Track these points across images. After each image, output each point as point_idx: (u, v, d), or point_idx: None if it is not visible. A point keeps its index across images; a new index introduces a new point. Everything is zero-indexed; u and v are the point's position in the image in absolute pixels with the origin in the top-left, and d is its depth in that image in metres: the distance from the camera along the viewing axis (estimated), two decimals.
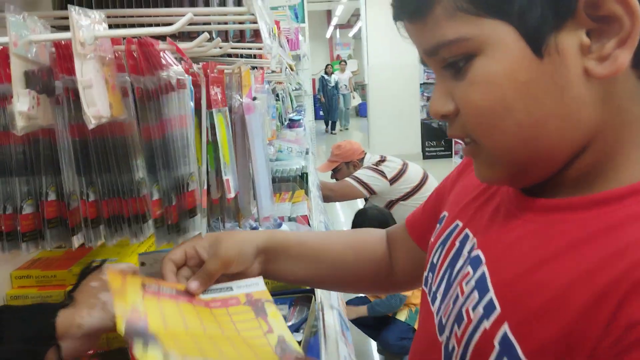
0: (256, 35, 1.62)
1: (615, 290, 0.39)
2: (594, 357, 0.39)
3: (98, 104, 0.57)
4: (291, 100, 3.98)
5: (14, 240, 0.69)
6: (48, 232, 0.69)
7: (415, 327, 2.13)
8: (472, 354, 0.49)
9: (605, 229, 0.43)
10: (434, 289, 0.61)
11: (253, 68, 1.62)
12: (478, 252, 0.54)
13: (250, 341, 0.60)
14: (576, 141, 0.47)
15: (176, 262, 0.69)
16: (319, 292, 1.06)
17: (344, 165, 3.22)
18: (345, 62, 13.72)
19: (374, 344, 2.77)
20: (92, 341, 0.65)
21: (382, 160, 3.04)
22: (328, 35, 16.40)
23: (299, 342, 0.72)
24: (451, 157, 6.88)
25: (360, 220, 2.60)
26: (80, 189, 0.65)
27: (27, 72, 0.57)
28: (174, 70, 0.65)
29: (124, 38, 0.66)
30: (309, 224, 1.54)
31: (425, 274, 0.65)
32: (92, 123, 0.56)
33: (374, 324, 2.62)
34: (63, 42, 0.62)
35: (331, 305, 1.12)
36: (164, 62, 0.65)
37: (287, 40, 4.26)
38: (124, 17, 0.77)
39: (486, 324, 0.48)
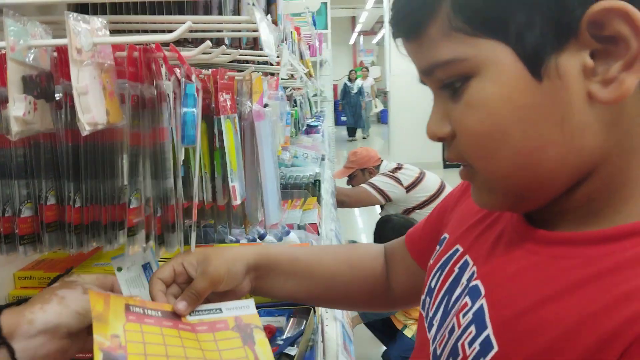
0: None
1: (620, 339, 0.36)
2: None
3: (93, 110, 0.56)
4: (310, 106, 3.98)
5: (12, 243, 0.69)
6: (47, 236, 0.69)
7: None
8: None
9: (612, 269, 0.40)
10: (430, 314, 0.59)
11: (269, 74, 1.62)
12: (477, 282, 0.51)
13: None
14: (578, 168, 0.44)
15: (165, 281, 0.65)
16: None
17: (359, 172, 3.21)
18: (367, 68, 13.70)
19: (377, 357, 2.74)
20: (59, 342, 0.56)
21: (399, 167, 3.01)
22: (352, 42, 16.41)
23: (293, 357, 0.71)
24: None
25: (384, 228, 2.56)
26: (68, 194, 0.65)
27: (24, 77, 0.57)
28: (171, 82, 0.64)
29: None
30: (317, 233, 1.53)
31: (423, 297, 0.63)
32: (86, 130, 0.55)
33: (384, 330, 2.60)
34: (64, 47, 0.62)
35: (335, 317, 1.11)
36: (163, 71, 0.65)
37: (309, 47, 4.28)
38: (128, 23, 0.77)
39: None
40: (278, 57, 1.22)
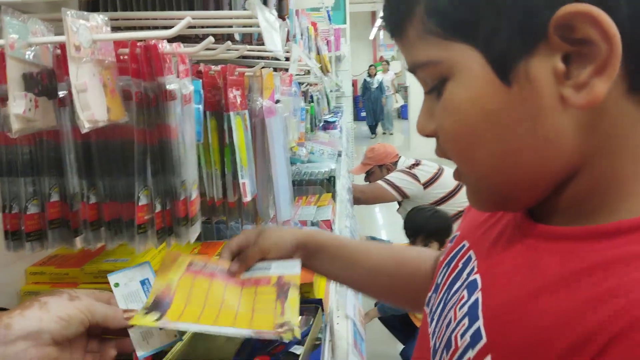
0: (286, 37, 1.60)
1: (601, 335, 0.35)
2: None
3: (93, 107, 0.56)
4: (328, 102, 3.97)
5: (19, 240, 0.69)
6: (50, 233, 0.69)
7: None
8: None
9: (602, 265, 0.39)
10: (433, 309, 0.58)
11: (283, 70, 1.61)
12: (476, 276, 0.51)
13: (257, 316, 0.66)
14: (559, 170, 0.43)
15: (232, 250, 0.76)
16: (333, 302, 1.04)
17: (377, 169, 3.19)
18: (387, 62, 13.58)
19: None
20: (43, 350, 0.53)
21: (416, 164, 2.98)
22: (372, 37, 16.32)
23: (299, 356, 0.70)
24: None
25: (414, 217, 2.51)
26: (81, 191, 0.65)
27: (25, 74, 0.57)
28: (174, 79, 0.64)
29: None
30: (331, 229, 1.52)
31: (430, 294, 0.62)
32: (85, 127, 0.55)
33: (402, 328, 2.58)
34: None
35: (346, 315, 1.10)
36: (166, 68, 0.64)
37: (326, 42, 4.26)
38: (130, 19, 0.76)
39: (471, 354, 0.45)
40: (287, 52, 1.21)
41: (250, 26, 0.97)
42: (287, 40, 1.25)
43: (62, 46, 0.62)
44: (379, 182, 2.96)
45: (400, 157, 3.21)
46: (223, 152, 1.01)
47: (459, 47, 0.43)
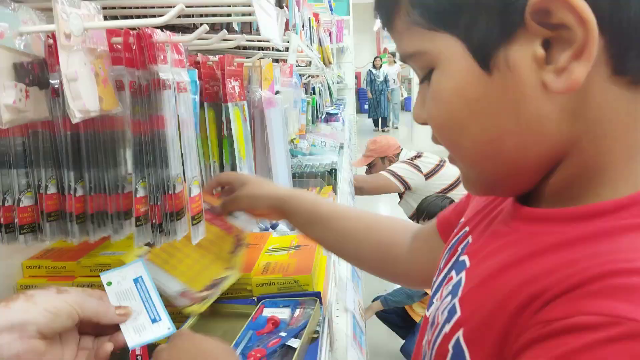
0: (285, 26, 1.58)
1: (548, 293, 0.37)
2: (513, 354, 0.38)
3: (84, 97, 0.55)
4: (330, 94, 3.95)
5: (13, 233, 0.68)
6: (47, 226, 0.68)
7: None
8: (434, 357, 0.48)
9: (569, 242, 0.41)
10: (433, 292, 0.59)
11: (284, 61, 1.60)
12: (465, 257, 0.53)
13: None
14: (545, 156, 0.44)
15: (220, 183, 0.91)
16: (332, 295, 1.03)
17: (379, 161, 3.18)
18: (393, 54, 13.47)
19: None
20: (28, 342, 0.51)
21: (418, 155, 2.97)
22: (375, 28, 16.24)
23: (295, 349, 0.69)
24: None
25: (422, 204, 2.53)
26: (69, 183, 0.64)
27: (15, 64, 0.56)
28: (167, 68, 0.62)
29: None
30: None
31: (434, 279, 0.63)
32: (76, 117, 0.54)
33: (402, 324, 2.57)
34: None
35: (345, 308, 1.09)
36: (160, 57, 0.63)
37: (329, 33, 4.23)
38: (122, 8, 0.75)
39: (447, 328, 0.47)
40: (288, 42, 1.19)
41: (249, 15, 0.96)
42: (287, 29, 1.24)
43: (55, 36, 0.61)
44: (382, 172, 2.95)
45: (402, 149, 3.20)
46: (221, 143, 0.99)
47: (442, 37, 0.44)
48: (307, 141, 2.61)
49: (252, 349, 0.72)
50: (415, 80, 8.25)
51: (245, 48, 1.38)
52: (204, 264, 0.89)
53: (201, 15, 0.94)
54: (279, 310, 0.81)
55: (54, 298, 0.54)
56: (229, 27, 1.12)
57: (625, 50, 0.39)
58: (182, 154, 0.67)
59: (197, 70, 0.82)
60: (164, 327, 0.61)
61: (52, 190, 0.68)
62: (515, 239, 0.46)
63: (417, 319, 2.50)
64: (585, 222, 0.41)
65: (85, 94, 0.55)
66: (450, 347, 0.45)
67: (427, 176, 2.86)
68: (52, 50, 0.61)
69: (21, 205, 0.67)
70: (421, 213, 2.44)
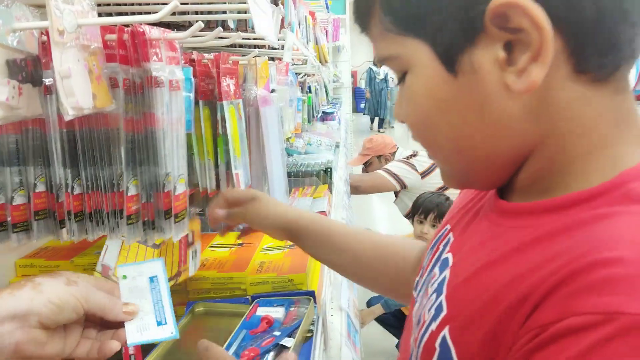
0: (281, 24, 1.58)
1: (536, 293, 0.38)
2: (507, 358, 0.39)
3: (77, 94, 0.55)
4: (326, 93, 3.94)
5: (5, 231, 0.68)
6: (35, 224, 0.68)
7: None
8: (421, 355, 0.49)
9: (548, 235, 0.42)
10: (417, 291, 0.60)
11: (280, 59, 1.59)
12: (448, 255, 0.54)
13: None
14: (513, 151, 0.46)
15: (228, 202, 0.87)
16: (327, 294, 1.03)
17: (375, 159, 3.18)
18: None
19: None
20: (29, 332, 0.51)
21: (414, 154, 2.98)
22: None
23: (289, 348, 0.69)
24: None
25: (417, 200, 2.52)
26: (66, 181, 0.64)
27: (8, 60, 0.56)
28: (161, 65, 0.62)
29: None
30: None
31: (417, 278, 0.63)
32: (69, 114, 0.54)
33: (398, 325, 2.57)
34: None
35: (340, 307, 1.09)
36: (154, 54, 0.63)
37: (325, 32, 4.22)
38: (117, 5, 0.75)
39: (433, 326, 0.48)
40: (279, 40, 1.19)
41: (245, 12, 0.95)
42: (282, 27, 1.24)
43: (48, 32, 0.60)
44: (379, 171, 2.95)
45: (398, 148, 3.20)
46: (216, 142, 0.99)
47: (412, 43, 0.46)
48: (302, 140, 2.60)
49: (246, 348, 0.72)
50: None
51: (241, 46, 1.37)
52: None
53: (196, 13, 0.94)
54: (273, 309, 0.81)
55: (61, 289, 0.54)
56: (224, 25, 1.12)
57: (583, 49, 0.41)
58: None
59: (192, 68, 0.81)
60: (168, 330, 0.60)
61: (40, 188, 0.67)
62: (495, 234, 0.48)
63: None
64: (560, 212, 0.42)
65: (78, 91, 0.55)
66: (437, 345, 0.46)
67: (423, 175, 2.86)
68: (46, 47, 0.60)
69: (14, 203, 0.67)
70: (417, 209, 2.44)
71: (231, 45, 1.36)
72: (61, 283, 0.54)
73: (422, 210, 2.39)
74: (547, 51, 0.40)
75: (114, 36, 0.62)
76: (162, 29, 0.65)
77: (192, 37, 0.68)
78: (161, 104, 0.63)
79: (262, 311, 0.81)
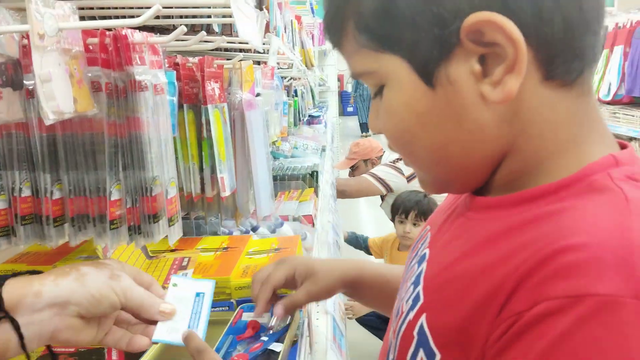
0: (266, 29, 1.58)
1: (508, 283, 0.39)
2: (486, 349, 0.40)
3: (58, 98, 0.54)
4: (313, 96, 3.95)
5: None
6: (22, 229, 0.67)
7: None
8: (399, 345, 0.51)
9: (518, 226, 0.44)
10: (399, 289, 0.62)
11: (263, 63, 1.59)
12: (426, 250, 0.57)
13: None
14: (488, 156, 0.48)
15: (276, 287, 0.76)
16: None
17: (362, 163, 3.19)
18: None
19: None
20: (68, 320, 0.53)
21: (400, 158, 2.98)
22: None
23: (278, 353, 0.69)
24: None
25: (396, 199, 2.54)
26: (45, 186, 0.63)
27: None
28: (144, 69, 0.62)
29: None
30: (313, 225, 1.50)
31: (403, 279, 0.64)
32: (49, 119, 0.53)
33: (382, 327, 2.57)
34: None
35: (326, 311, 1.09)
36: (137, 58, 0.62)
37: (312, 36, 4.23)
38: (100, 8, 0.74)
39: (411, 315, 0.50)
40: (264, 44, 1.19)
41: (230, 16, 0.95)
42: (268, 31, 1.24)
43: (29, 36, 0.60)
44: (365, 175, 2.96)
45: (384, 151, 3.21)
46: (201, 145, 0.99)
47: (389, 58, 0.47)
48: (289, 143, 2.61)
49: (234, 354, 0.71)
50: None
51: (226, 50, 1.37)
52: None
53: (181, 17, 0.94)
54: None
55: (103, 283, 0.55)
56: (209, 29, 1.11)
57: (552, 59, 0.44)
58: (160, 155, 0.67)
59: (175, 71, 0.81)
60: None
61: (26, 193, 0.66)
62: (469, 227, 0.51)
63: None
64: (529, 204, 0.45)
65: (59, 95, 0.54)
66: (415, 333, 0.48)
67: (409, 178, 2.87)
68: (27, 50, 0.60)
69: None
70: (397, 210, 2.44)
71: (216, 49, 1.36)
72: (105, 276, 0.56)
73: (402, 210, 2.40)
74: (521, 63, 0.42)
75: (95, 40, 0.62)
76: (146, 32, 0.65)
77: (176, 40, 0.68)
78: (145, 107, 0.62)
79: (247, 316, 0.81)
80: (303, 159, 2.41)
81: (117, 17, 0.80)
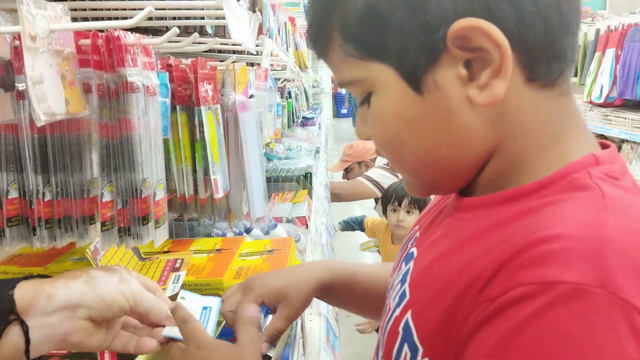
0: (259, 30, 1.58)
1: (486, 272, 0.41)
2: (462, 334, 0.42)
3: (50, 99, 0.54)
4: (307, 98, 3.95)
5: None
6: (8, 231, 0.67)
7: None
8: (386, 341, 0.52)
9: (501, 222, 0.45)
10: (389, 289, 0.62)
11: (256, 65, 1.59)
12: (414, 249, 0.58)
13: None
14: (475, 158, 0.49)
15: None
16: None
17: (356, 165, 3.20)
18: None
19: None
20: (79, 322, 0.53)
21: None
22: None
23: (270, 357, 0.69)
24: None
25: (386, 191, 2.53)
26: (37, 188, 0.63)
27: None
28: (136, 71, 0.61)
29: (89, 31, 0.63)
30: (306, 226, 1.51)
31: (391, 279, 0.65)
32: (41, 120, 0.53)
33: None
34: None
35: (319, 313, 1.09)
36: (129, 60, 0.62)
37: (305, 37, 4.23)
38: (92, 10, 0.74)
39: (397, 312, 0.51)
40: (258, 46, 1.19)
41: (222, 18, 0.95)
42: (260, 33, 1.24)
43: (20, 37, 0.60)
44: (359, 178, 2.96)
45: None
46: (194, 147, 0.99)
47: (376, 66, 0.48)
48: (283, 145, 2.61)
49: None
50: None
51: (219, 51, 1.37)
52: None
53: (174, 18, 0.94)
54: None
55: (113, 287, 0.56)
56: (202, 30, 1.11)
57: (534, 61, 0.45)
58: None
59: (168, 73, 0.81)
60: None
61: (13, 194, 0.66)
62: (455, 226, 0.52)
63: None
64: (512, 203, 0.46)
65: (51, 96, 0.54)
66: (400, 329, 0.49)
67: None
68: (19, 51, 0.60)
69: None
70: (389, 199, 2.42)
71: (210, 51, 1.36)
72: (115, 281, 0.57)
73: (394, 198, 2.38)
74: (507, 67, 0.43)
75: (87, 41, 0.62)
76: (138, 34, 0.65)
77: (169, 42, 0.68)
78: (137, 109, 0.62)
79: None
80: (297, 161, 2.41)
81: (109, 19, 0.80)
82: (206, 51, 1.29)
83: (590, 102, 4.12)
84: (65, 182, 0.63)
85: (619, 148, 3.91)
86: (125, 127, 0.62)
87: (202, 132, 0.97)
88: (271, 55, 1.41)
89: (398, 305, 0.51)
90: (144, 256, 1.05)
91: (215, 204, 1.05)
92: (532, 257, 0.39)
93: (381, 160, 3.10)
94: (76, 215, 0.64)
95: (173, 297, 0.69)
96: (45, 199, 0.63)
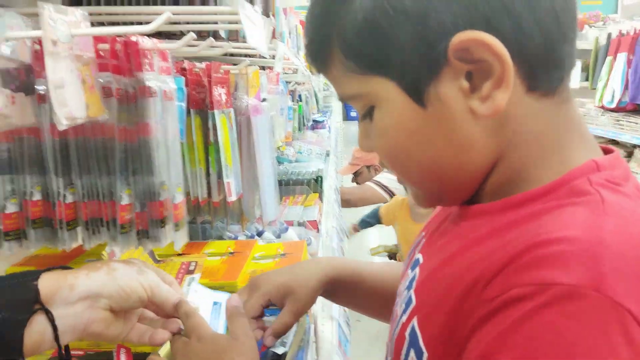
0: (272, 35, 1.58)
1: (488, 273, 0.42)
2: (463, 335, 0.42)
3: (70, 104, 0.55)
4: (317, 101, 3.96)
5: None
6: (33, 232, 0.68)
7: None
8: (394, 347, 0.52)
9: (505, 227, 0.46)
10: (398, 294, 0.63)
11: (268, 68, 1.60)
12: (419, 255, 0.58)
13: None
14: (478, 169, 0.50)
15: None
16: (318, 304, 1.03)
17: (365, 169, 3.19)
18: None
19: None
20: (99, 312, 0.55)
21: None
22: None
23: (281, 356, 0.70)
24: None
25: None
26: (58, 190, 0.64)
27: (1, 70, 0.56)
28: (153, 75, 0.62)
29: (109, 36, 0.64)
30: (317, 230, 1.51)
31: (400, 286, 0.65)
32: (63, 124, 0.54)
33: None
34: None
35: (331, 316, 1.09)
36: (146, 64, 0.63)
37: None
38: (109, 15, 0.75)
39: (404, 318, 0.52)
40: (272, 50, 1.20)
41: (236, 22, 0.96)
42: (274, 37, 1.25)
43: (41, 42, 0.61)
44: (368, 183, 2.96)
45: None
46: (207, 150, 0.99)
47: (378, 80, 0.48)
48: (293, 148, 2.61)
49: None
50: None
51: (232, 55, 1.38)
52: None
53: (188, 23, 0.94)
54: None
55: (132, 278, 0.58)
56: (215, 35, 1.12)
57: (534, 70, 0.46)
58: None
59: (183, 77, 0.82)
60: None
61: (37, 196, 0.67)
62: (459, 233, 0.52)
63: None
64: (515, 209, 0.47)
65: (71, 100, 0.55)
66: (407, 334, 0.50)
67: None
68: (39, 56, 0.61)
69: (6, 211, 0.67)
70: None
71: (222, 55, 1.37)
72: (134, 272, 0.59)
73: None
74: (508, 78, 0.44)
75: (106, 46, 0.63)
76: (154, 39, 0.66)
77: (184, 46, 0.69)
78: (154, 113, 0.63)
79: None
80: (307, 164, 2.41)
81: (125, 24, 0.81)
82: (219, 55, 1.30)
83: (602, 107, 4.09)
84: (92, 185, 0.64)
85: (631, 153, 3.88)
86: (143, 131, 0.63)
87: (215, 135, 0.98)
88: (283, 59, 1.42)
89: (404, 311, 0.52)
90: (158, 258, 1.06)
91: (228, 207, 1.06)
92: (530, 260, 0.40)
93: None
94: (107, 217, 0.65)
95: None
96: (67, 201, 0.64)
